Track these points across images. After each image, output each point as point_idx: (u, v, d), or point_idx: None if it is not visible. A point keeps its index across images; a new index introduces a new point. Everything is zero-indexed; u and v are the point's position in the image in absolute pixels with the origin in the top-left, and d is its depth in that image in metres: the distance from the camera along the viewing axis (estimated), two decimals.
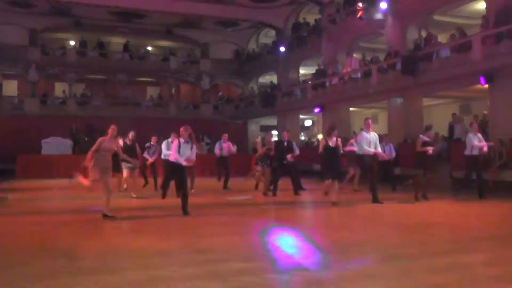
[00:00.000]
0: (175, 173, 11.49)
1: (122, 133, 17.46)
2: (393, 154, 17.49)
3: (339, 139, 13.19)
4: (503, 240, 8.12)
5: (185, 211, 10.95)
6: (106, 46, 39.84)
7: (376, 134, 13.44)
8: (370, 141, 13.08)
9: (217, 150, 18.64)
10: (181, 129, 11.63)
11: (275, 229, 9.72)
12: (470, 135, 14.46)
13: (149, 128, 27.40)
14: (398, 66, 21.81)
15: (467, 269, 6.08)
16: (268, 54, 36.87)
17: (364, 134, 13.21)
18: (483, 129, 19.22)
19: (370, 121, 13.40)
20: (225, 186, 18.36)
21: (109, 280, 5.62)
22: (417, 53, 21.10)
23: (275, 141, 16.79)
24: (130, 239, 8.46)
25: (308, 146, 29.24)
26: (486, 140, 17.92)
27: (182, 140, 11.35)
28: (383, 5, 23.70)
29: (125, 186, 17.02)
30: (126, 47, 39.73)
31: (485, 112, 19.81)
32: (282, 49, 33.12)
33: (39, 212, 12.32)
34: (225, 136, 18.89)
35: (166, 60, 40.05)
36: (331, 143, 12.79)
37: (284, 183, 16.25)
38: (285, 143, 15.83)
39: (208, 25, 38.66)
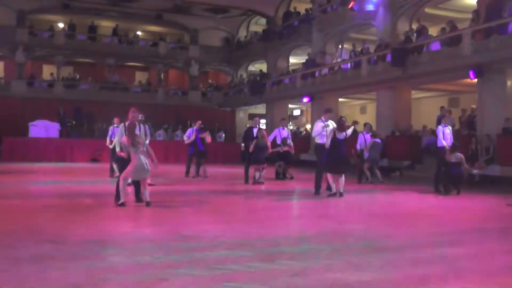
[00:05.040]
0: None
1: (111, 117, 17.33)
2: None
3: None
4: (487, 233, 8.17)
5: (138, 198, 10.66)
6: (95, 29, 39.46)
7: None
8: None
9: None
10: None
11: (260, 218, 9.72)
12: (440, 127, 14.41)
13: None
14: (388, 58, 21.81)
15: (451, 262, 6.10)
16: (258, 42, 36.73)
17: None
18: (471, 123, 19.34)
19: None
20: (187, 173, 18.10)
21: (95, 265, 5.59)
22: (408, 46, 21.11)
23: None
24: (116, 225, 8.42)
25: (296, 136, 29.19)
26: (473, 134, 18.14)
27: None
28: None
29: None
30: (115, 31, 39.39)
31: (474, 106, 19.89)
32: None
33: (24, 195, 12.23)
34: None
35: (155, 45, 39.78)
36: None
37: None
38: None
39: (198, 11, 38.39)
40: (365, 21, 25.73)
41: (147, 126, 13.15)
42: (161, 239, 7.16)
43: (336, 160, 12.40)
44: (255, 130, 16.10)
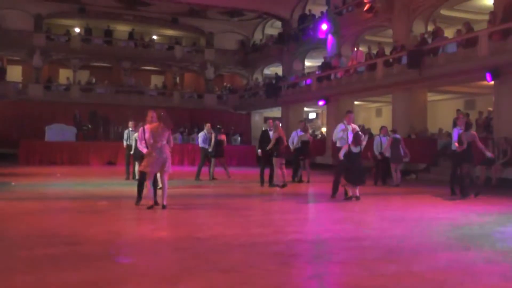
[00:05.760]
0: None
1: (127, 120, 17.47)
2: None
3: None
4: (504, 237, 8.10)
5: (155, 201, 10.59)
6: (111, 33, 39.76)
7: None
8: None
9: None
10: (148, 115, 10.66)
11: (276, 221, 9.71)
12: (456, 129, 14.22)
13: None
14: (404, 60, 21.73)
15: (468, 266, 6.05)
16: (274, 45, 36.77)
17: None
18: (488, 126, 19.19)
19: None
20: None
21: (111, 267, 5.62)
22: (423, 47, 21.01)
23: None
24: (131, 227, 8.46)
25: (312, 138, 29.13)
26: (490, 137, 17.98)
27: (147, 127, 10.55)
28: None
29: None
30: (131, 35, 39.68)
31: (490, 108, 19.73)
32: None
33: (41, 198, 12.33)
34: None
35: (171, 48, 40.01)
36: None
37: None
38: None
39: (213, 15, 38.58)
40: (381, 23, 25.70)
41: None
42: (176, 242, 7.18)
43: (355, 173, 12.36)
44: (271, 133, 16.08)
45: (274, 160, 15.40)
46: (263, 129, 21.49)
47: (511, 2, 18.05)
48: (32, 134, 28.80)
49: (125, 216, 9.58)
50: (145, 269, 5.62)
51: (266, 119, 39.44)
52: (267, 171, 15.94)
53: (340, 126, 12.98)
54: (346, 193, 12.54)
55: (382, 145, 17.24)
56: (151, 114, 10.58)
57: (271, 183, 15.83)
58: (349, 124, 12.81)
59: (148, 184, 10.29)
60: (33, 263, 5.70)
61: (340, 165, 12.80)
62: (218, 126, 18.44)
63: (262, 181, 15.97)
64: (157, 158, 10.07)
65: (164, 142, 10.19)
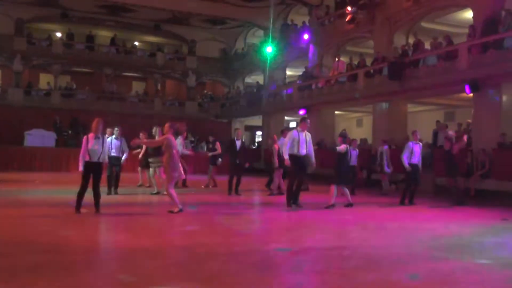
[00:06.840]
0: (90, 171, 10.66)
1: (108, 127, 17.21)
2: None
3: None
4: (483, 247, 8.19)
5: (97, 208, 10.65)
6: (93, 39, 39.52)
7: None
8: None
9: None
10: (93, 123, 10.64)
11: (257, 230, 9.73)
12: (410, 143, 14.44)
13: (133, 123, 27.45)
14: (385, 71, 21.90)
15: (447, 276, 6.12)
16: (255, 54, 36.82)
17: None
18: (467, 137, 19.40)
19: None
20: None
21: (91, 276, 5.59)
22: (404, 59, 21.20)
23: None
24: (114, 235, 8.42)
25: None
26: (469, 149, 18.18)
27: (92, 135, 10.49)
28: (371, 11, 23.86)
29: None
30: (113, 41, 39.49)
31: (469, 120, 19.95)
32: (269, 49, 32.77)
33: (20, 204, 12.20)
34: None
35: (153, 55, 39.89)
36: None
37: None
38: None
39: (196, 22, 38.56)
40: (362, 34, 25.91)
41: (123, 140, 13.92)
42: (156, 250, 7.16)
43: (346, 173, 12.83)
44: (238, 143, 16.20)
45: (276, 171, 16.33)
46: (231, 138, 21.40)
47: (490, 16, 18.31)
48: (11, 140, 28.44)
49: (105, 224, 9.52)
50: (125, 278, 5.59)
51: (247, 128, 39.51)
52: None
53: (293, 134, 12.78)
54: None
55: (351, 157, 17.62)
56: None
57: (237, 191, 16.00)
58: (303, 131, 12.72)
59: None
60: (13, 272, 5.64)
61: (291, 173, 12.91)
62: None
63: (230, 190, 15.99)
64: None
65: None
